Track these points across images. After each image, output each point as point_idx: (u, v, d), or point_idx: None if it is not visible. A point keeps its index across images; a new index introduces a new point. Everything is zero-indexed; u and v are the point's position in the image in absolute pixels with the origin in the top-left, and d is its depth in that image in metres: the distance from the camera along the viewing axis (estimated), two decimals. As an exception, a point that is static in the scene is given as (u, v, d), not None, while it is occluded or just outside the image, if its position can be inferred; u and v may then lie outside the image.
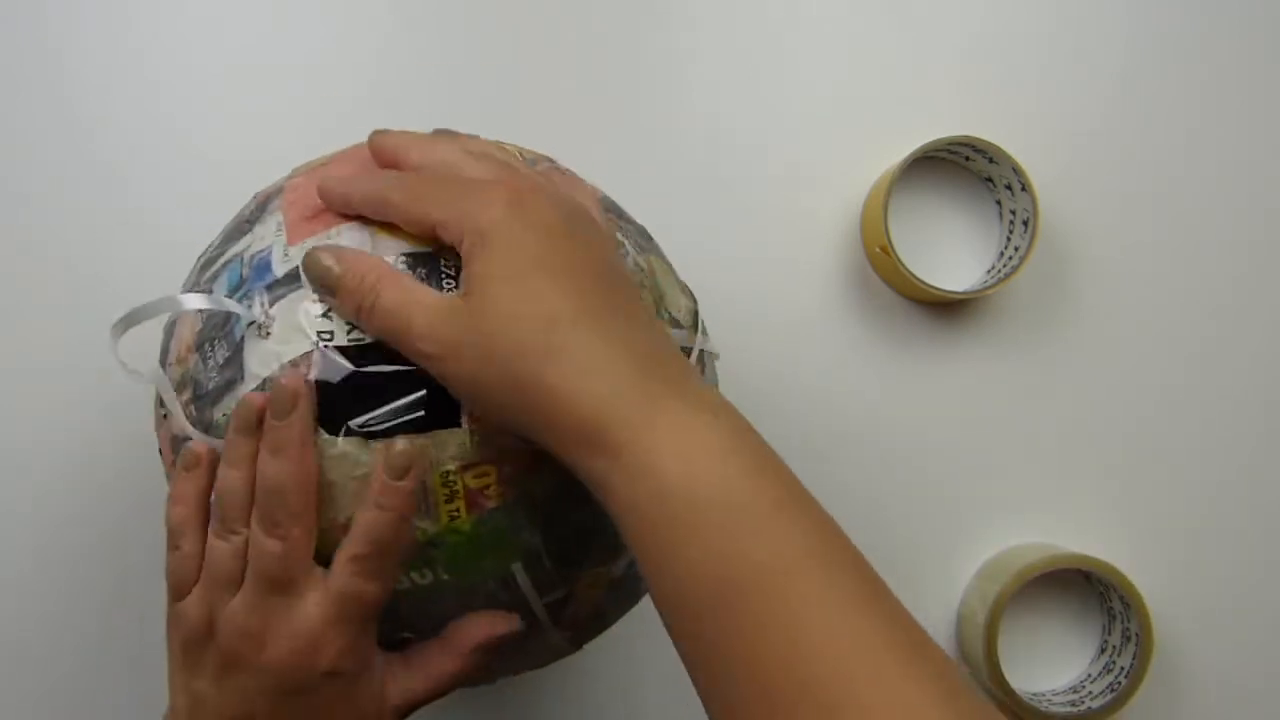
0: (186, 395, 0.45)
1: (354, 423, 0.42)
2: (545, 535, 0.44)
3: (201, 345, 0.45)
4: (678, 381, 0.40)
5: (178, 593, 0.44)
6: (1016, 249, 0.68)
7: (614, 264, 0.42)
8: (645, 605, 0.52)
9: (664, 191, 0.69)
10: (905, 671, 0.35)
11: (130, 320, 0.44)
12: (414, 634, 0.46)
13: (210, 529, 0.43)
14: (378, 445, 0.41)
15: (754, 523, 0.37)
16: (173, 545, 0.45)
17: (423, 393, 0.41)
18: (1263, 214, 0.72)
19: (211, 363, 0.44)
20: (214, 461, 0.44)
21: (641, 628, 0.65)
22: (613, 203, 0.52)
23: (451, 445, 0.42)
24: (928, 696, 0.34)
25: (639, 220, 0.53)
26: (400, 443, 0.41)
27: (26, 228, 0.67)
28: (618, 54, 0.71)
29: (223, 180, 0.58)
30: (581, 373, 0.38)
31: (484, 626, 0.44)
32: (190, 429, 0.44)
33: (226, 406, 0.43)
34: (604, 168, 0.54)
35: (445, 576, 0.44)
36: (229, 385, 0.43)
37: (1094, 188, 0.71)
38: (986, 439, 0.70)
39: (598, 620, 0.50)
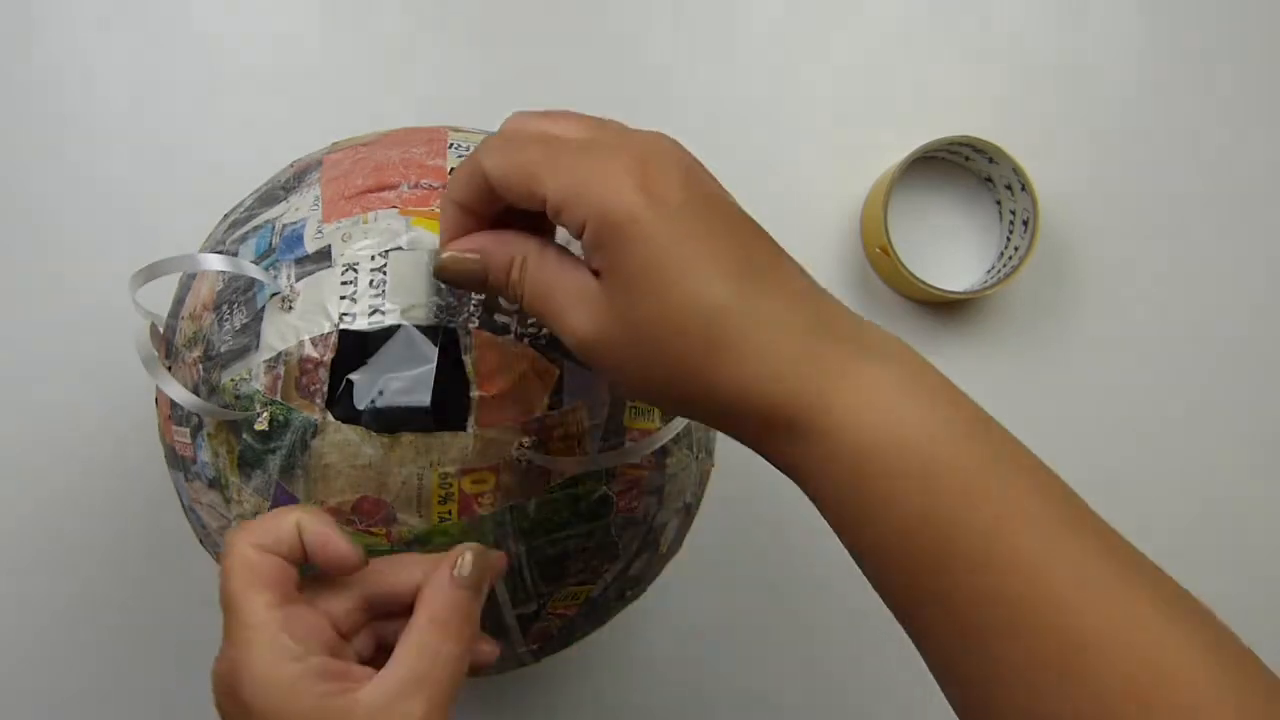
0: (196, 353, 0.45)
1: (362, 410, 0.42)
2: (530, 549, 0.44)
3: (219, 306, 0.45)
4: (850, 338, 0.36)
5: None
6: (1016, 249, 0.68)
7: (744, 218, 0.38)
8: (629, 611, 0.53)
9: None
10: (1164, 620, 0.34)
11: (153, 272, 0.44)
12: None
13: None
14: (382, 439, 0.41)
15: (962, 484, 0.34)
16: None
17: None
18: (1262, 213, 0.72)
19: (227, 326, 0.44)
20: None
21: (643, 630, 0.65)
22: None
23: (454, 448, 0.42)
24: (1193, 646, 0.34)
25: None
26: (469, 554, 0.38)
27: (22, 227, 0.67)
28: (618, 54, 0.71)
29: (219, 182, 0.58)
30: (751, 363, 0.35)
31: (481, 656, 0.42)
32: (185, 394, 0.44)
33: (236, 372, 0.43)
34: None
35: None
36: (242, 352, 0.43)
37: (1094, 188, 0.71)
38: (986, 439, 0.70)
39: (564, 636, 0.50)
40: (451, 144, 0.48)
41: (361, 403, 0.42)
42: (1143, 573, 0.36)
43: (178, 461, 0.47)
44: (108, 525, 0.67)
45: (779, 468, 0.37)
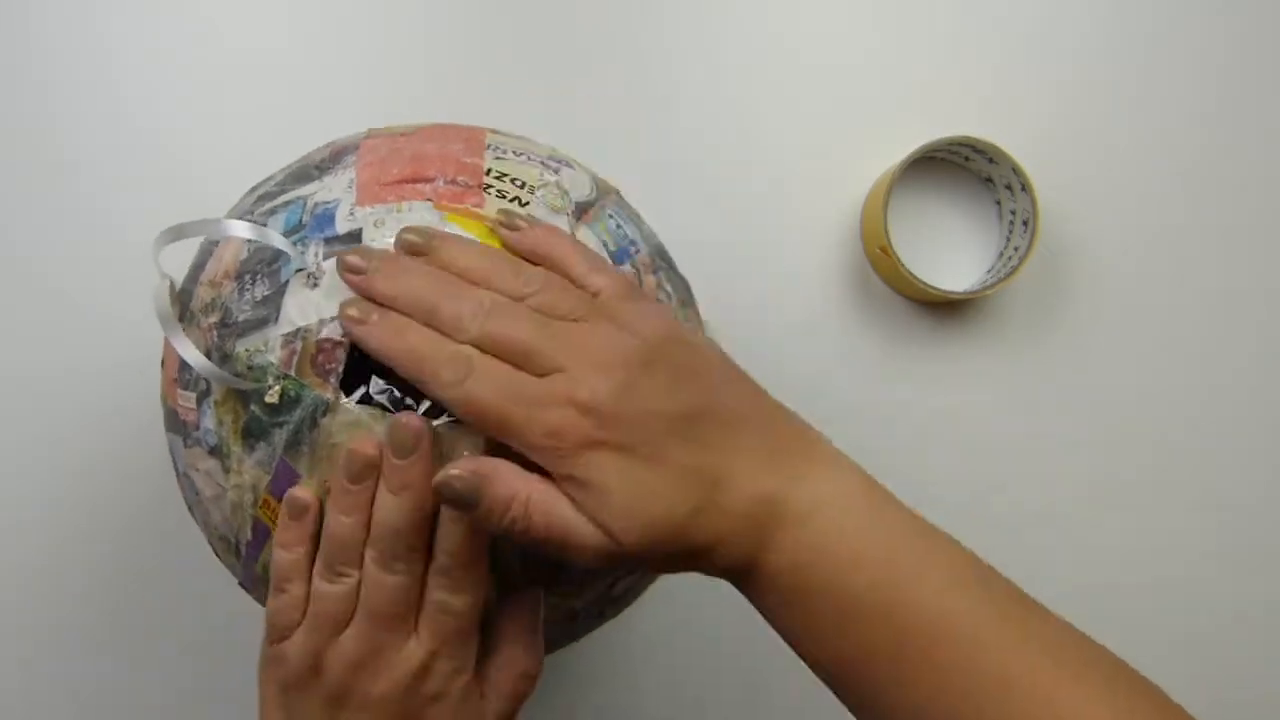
0: (212, 319, 0.45)
1: (374, 392, 0.42)
2: (525, 551, 0.44)
3: (242, 275, 0.45)
4: (801, 474, 0.42)
5: (279, 634, 0.44)
6: (1016, 249, 0.68)
7: (719, 381, 0.43)
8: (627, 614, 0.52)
9: (664, 192, 0.69)
10: (1076, 678, 0.39)
11: (178, 234, 0.44)
12: None
13: (317, 573, 0.43)
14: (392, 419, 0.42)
15: (906, 580, 0.40)
16: (278, 589, 0.44)
17: None
18: (1262, 213, 0.72)
19: (248, 296, 0.44)
20: (321, 509, 0.43)
21: (640, 631, 0.65)
22: (665, 251, 0.52)
23: (464, 441, 0.42)
24: (1095, 695, 0.39)
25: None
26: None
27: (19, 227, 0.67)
28: (618, 54, 0.71)
29: (217, 185, 0.58)
30: (714, 552, 0.40)
31: (525, 610, 0.45)
32: (199, 357, 0.44)
33: (251, 342, 0.43)
34: (604, 168, 0.54)
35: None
36: (260, 323, 0.43)
37: (1094, 188, 0.71)
38: (986, 438, 0.70)
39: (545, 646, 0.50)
40: (489, 144, 0.49)
41: (376, 387, 0.42)
42: (1045, 623, 0.41)
43: (178, 426, 0.47)
44: (99, 489, 0.67)
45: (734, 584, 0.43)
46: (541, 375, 0.39)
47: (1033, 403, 0.71)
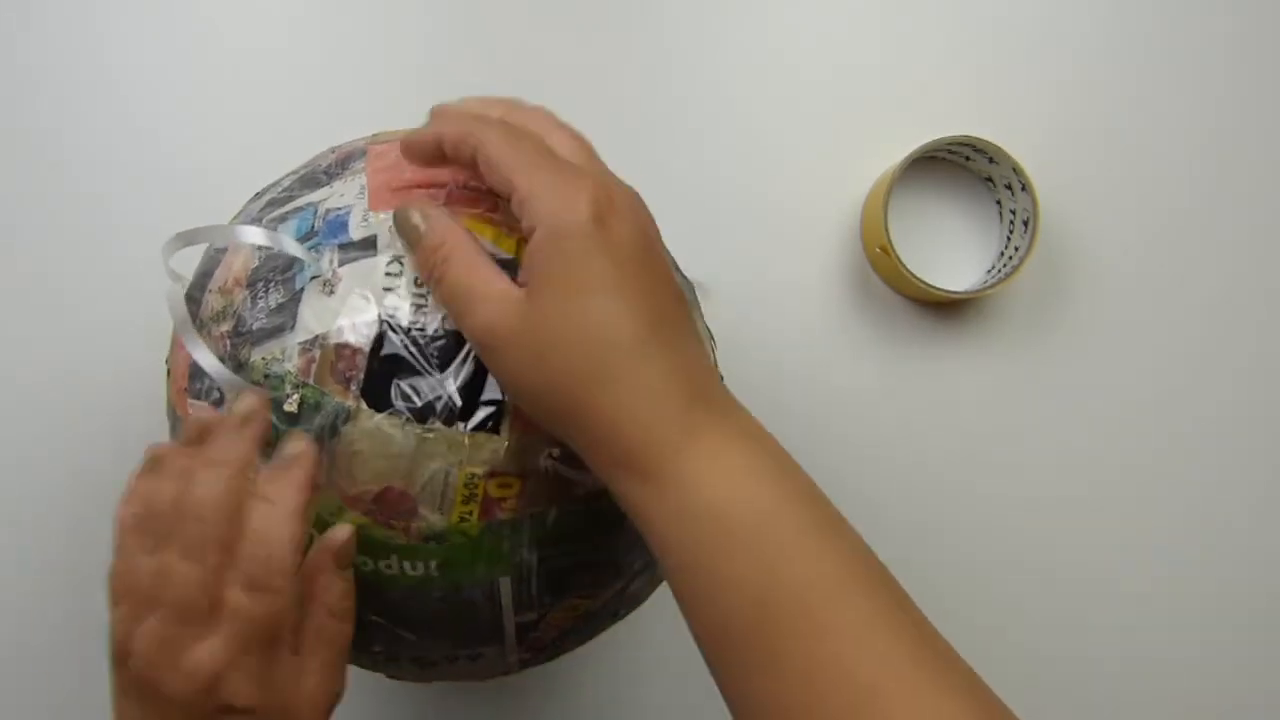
0: (224, 327, 0.44)
1: (397, 404, 0.41)
2: (541, 559, 0.44)
3: (254, 283, 0.44)
4: (719, 410, 0.40)
5: (110, 599, 0.41)
6: (1016, 249, 0.68)
7: (675, 289, 0.42)
8: (636, 616, 0.53)
9: (664, 192, 0.69)
10: (935, 684, 0.36)
11: (189, 239, 0.43)
12: (384, 620, 0.46)
13: (139, 541, 0.40)
14: (415, 432, 0.41)
15: (785, 546, 0.38)
16: (116, 547, 0.41)
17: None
18: (1262, 213, 0.72)
19: (262, 303, 0.44)
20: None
21: (638, 632, 0.65)
22: (670, 254, 0.52)
23: (486, 449, 0.41)
24: (956, 706, 0.36)
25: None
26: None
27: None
28: (618, 55, 0.71)
29: (217, 187, 0.58)
30: (630, 400, 0.38)
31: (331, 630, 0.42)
32: (217, 365, 0.43)
33: (268, 350, 0.43)
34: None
35: (436, 573, 0.44)
36: (276, 331, 0.43)
37: (1094, 188, 0.71)
38: (986, 438, 0.70)
39: (554, 648, 0.50)
40: None
41: (398, 395, 0.42)
42: (920, 632, 0.39)
43: None
44: (99, 495, 0.67)
45: (624, 506, 0.39)
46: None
47: (1032, 402, 0.71)
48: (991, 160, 0.68)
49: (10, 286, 0.67)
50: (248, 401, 0.41)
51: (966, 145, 0.67)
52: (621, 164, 0.61)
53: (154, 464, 0.41)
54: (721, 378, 0.44)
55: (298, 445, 0.41)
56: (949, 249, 0.71)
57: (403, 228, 0.42)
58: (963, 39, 0.72)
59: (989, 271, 0.70)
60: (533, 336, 0.38)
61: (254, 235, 0.44)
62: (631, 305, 0.39)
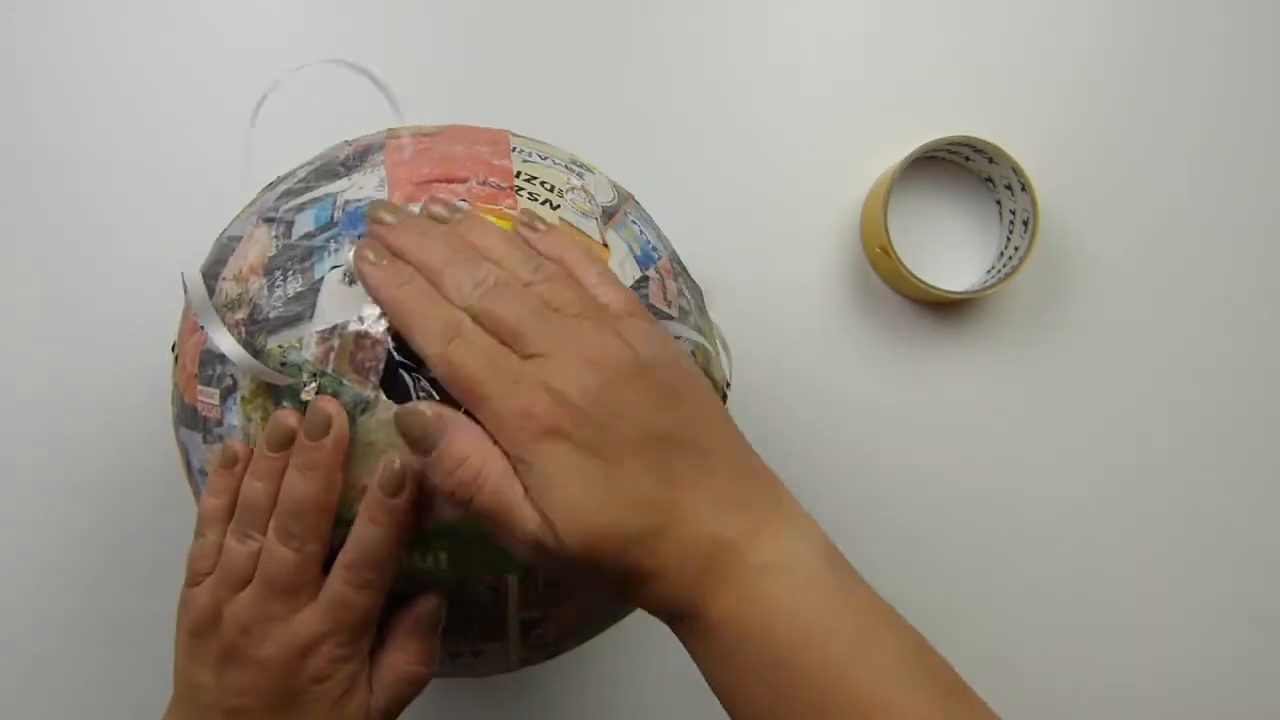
0: (240, 315, 0.44)
1: (416, 396, 0.41)
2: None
3: (272, 271, 0.44)
4: (761, 528, 0.40)
5: (193, 579, 0.45)
6: (1016, 249, 0.68)
7: (701, 414, 0.41)
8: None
9: (664, 192, 0.69)
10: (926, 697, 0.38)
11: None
12: (389, 611, 0.46)
13: (230, 529, 0.45)
14: None
15: (837, 664, 0.38)
16: (199, 533, 0.46)
17: None
18: (1263, 213, 0.72)
19: (279, 292, 0.44)
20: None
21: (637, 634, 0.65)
22: (678, 257, 0.52)
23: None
24: None
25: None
26: (396, 461, 0.41)
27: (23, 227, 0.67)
28: (618, 55, 0.71)
29: (217, 186, 0.58)
30: (655, 584, 0.39)
31: (424, 614, 0.45)
32: (238, 350, 0.44)
33: (285, 339, 0.43)
34: (604, 169, 0.54)
35: (445, 566, 0.44)
36: (295, 320, 0.43)
37: (1094, 188, 0.71)
38: (986, 438, 0.70)
39: (555, 646, 0.50)
40: (514, 147, 0.49)
41: (416, 387, 0.42)
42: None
43: (197, 422, 0.46)
44: (101, 486, 0.67)
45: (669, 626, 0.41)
46: (526, 358, 0.39)
47: (1032, 402, 0.71)
48: (991, 160, 0.68)
49: (10, 286, 0.67)
50: (326, 410, 0.41)
51: (966, 145, 0.67)
52: (622, 165, 0.61)
53: (231, 459, 0.44)
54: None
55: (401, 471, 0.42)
56: (949, 249, 0.71)
57: (418, 429, 0.39)
58: (963, 39, 0.72)
59: (989, 271, 0.70)
60: (564, 551, 0.38)
61: (231, 352, 0.44)
62: (635, 491, 0.38)
